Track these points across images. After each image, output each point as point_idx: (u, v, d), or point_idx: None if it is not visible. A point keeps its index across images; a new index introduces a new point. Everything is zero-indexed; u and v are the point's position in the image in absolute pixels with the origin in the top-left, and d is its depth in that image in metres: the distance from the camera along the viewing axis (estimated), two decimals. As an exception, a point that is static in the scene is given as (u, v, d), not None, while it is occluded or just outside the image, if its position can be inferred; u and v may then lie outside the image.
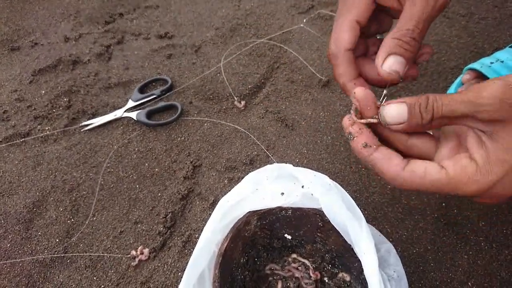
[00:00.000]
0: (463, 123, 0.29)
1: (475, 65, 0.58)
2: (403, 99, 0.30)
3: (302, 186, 0.43)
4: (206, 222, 0.45)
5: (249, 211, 0.44)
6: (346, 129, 0.33)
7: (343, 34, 0.36)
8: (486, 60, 0.58)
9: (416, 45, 0.32)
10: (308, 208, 0.44)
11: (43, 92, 0.77)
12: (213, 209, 0.45)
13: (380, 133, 0.33)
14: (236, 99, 0.71)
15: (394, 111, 0.30)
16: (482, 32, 0.75)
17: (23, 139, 0.70)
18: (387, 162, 0.30)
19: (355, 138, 0.32)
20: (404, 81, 0.34)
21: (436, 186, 0.29)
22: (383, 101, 0.32)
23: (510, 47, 0.61)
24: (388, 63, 0.32)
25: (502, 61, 0.57)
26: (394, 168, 0.30)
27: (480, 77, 0.58)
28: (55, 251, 0.57)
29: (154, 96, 0.73)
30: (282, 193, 0.43)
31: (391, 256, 0.41)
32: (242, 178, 0.48)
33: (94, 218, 0.60)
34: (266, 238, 0.49)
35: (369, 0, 0.36)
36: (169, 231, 0.57)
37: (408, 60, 0.32)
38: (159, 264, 0.54)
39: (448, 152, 0.31)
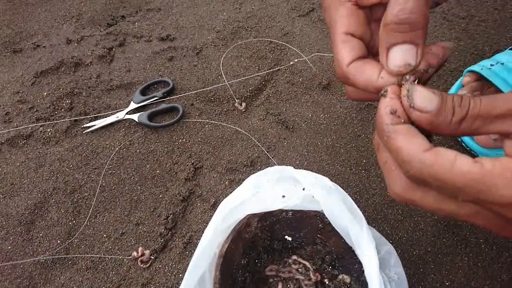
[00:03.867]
0: (502, 126, 0.24)
1: (475, 67, 0.58)
2: (433, 90, 0.25)
3: (303, 189, 0.43)
4: (207, 224, 0.45)
5: (250, 213, 0.44)
6: (386, 85, 0.27)
7: (338, 54, 0.30)
8: (486, 62, 0.59)
9: (418, 20, 0.25)
10: (308, 210, 0.44)
11: (45, 94, 0.78)
12: (214, 211, 0.45)
13: None
14: (237, 101, 0.72)
15: (424, 93, 0.24)
16: (482, 35, 0.75)
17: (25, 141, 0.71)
18: (409, 138, 0.24)
19: (387, 98, 0.26)
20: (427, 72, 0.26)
21: (463, 180, 0.22)
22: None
23: (510, 49, 0.61)
24: (394, 58, 0.26)
25: (503, 63, 0.57)
26: (415, 147, 0.24)
27: (480, 79, 0.58)
28: (57, 253, 0.57)
29: (156, 98, 0.74)
30: (283, 196, 0.44)
31: (392, 257, 0.42)
32: (243, 179, 0.48)
33: (96, 220, 0.60)
34: (267, 240, 0.49)
35: (350, 10, 0.31)
36: (170, 232, 0.57)
37: (417, 42, 0.25)
38: (160, 266, 0.54)
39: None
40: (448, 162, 0.23)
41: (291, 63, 0.72)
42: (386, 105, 0.25)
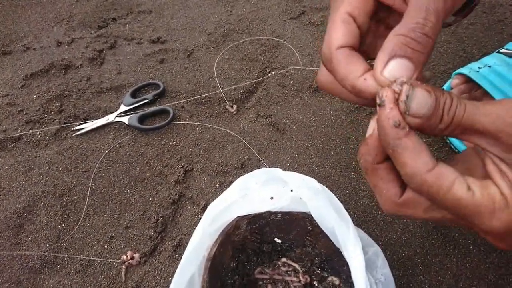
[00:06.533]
0: (478, 141, 0.25)
1: (464, 70, 0.59)
2: (428, 87, 0.24)
3: (291, 190, 0.43)
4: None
5: (239, 216, 0.44)
6: (382, 92, 0.25)
7: (333, 32, 0.28)
8: (474, 65, 0.59)
9: (429, 44, 0.25)
10: (297, 212, 0.44)
11: (35, 96, 0.77)
12: (203, 214, 0.45)
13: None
14: (228, 103, 0.72)
15: (421, 97, 0.23)
16: (470, 37, 0.76)
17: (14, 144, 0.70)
18: (415, 155, 0.24)
19: (388, 109, 0.24)
20: None
21: (455, 204, 0.23)
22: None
23: (497, 52, 0.62)
24: (390, 68, 0.25)
25: (490, 66, 0.58)
26: (419, 166, 0.23)
27: (469, 81, 0.58)
28: (45, 257, 0.56)
29: (146, 100, 0.73)
30: (272, 197, 0.44)
31: (379, 259, 0.42)
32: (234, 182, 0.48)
33: (85, 223, 0.59)
34: (256, 242, 0.49)
35: None
36: (160, 235, 0.57)
37: (418, 65, 0.25)
38: (149, 269, 0.54)
39: (464, 170, 0.26)
40: (447, 186, 0.23)
41: (269, 74, 0.73)
42: (388, 117, 0.24)
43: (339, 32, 0.28)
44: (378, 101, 0.25)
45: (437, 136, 0.26)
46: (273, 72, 0.74)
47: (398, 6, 0.29)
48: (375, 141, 0.26)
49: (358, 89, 0.26)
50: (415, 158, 0.24)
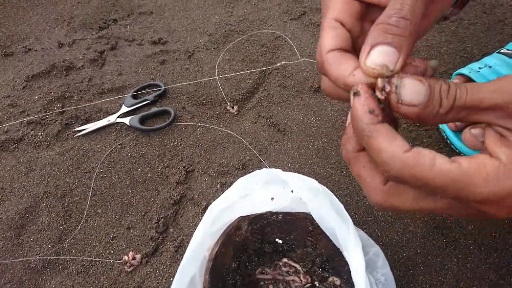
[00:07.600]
0: (487, 117, 0.25)
1: (464, 70, 0.59)
2: (420, 78, 0.24)
3: (292, 191, 0.43)
4: (198, 227, 0.45)
5: (240, 216, 0.44)
6: (358, 84, 0.26)
7: (323, 38, 0.29)
8: (474, 66, 0.59)
9: (409, 27, 0.25)
10: (298, 213, 0.44)
11: (36, 97, 0.77)
12: (205, 214, 0.45)
13: None
14: (228, 104, 0.72)
15: (411, 86, 0.24)
16: (471, 38, 0.76)
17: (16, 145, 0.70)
18: (389, 139, 0.24)
19: (362, 97, 0.25)
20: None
21: (443, 179, 0.23)
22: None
23: (498, 52, 0.62)
24: (373, 56, 0.25)
25: (490, 66, 0.58)
26: (396, 148, 0.24)
27: (469, 82, 0.58)
28: (47, 257, 0.56)
29: (147, 101, 0.74)
30: (272, 198, 0.44)
31: (379, 259, 0.42)
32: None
33: (87, 224, 0.60)
34: (257, 243, 0.49)
35: None
36: (161, 236, 0.57)
37: (401, 48, 0.25)
38: (151, 270, 0.54)
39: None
40: (428, 163, 0.23)
41: (278, 64, 0.73)
42: (363, 104, 0.25)
43: (328, 37, 0.29)
44: (353, 90, 0.25)
45: (440, 123, 0.26)
46: (283, 62, 0.74)
47: (384, 3, 0.29)
48: (352, 129, 0.27)
49: (350, 86, 0.26)
50: (391, 141, 0.24)
